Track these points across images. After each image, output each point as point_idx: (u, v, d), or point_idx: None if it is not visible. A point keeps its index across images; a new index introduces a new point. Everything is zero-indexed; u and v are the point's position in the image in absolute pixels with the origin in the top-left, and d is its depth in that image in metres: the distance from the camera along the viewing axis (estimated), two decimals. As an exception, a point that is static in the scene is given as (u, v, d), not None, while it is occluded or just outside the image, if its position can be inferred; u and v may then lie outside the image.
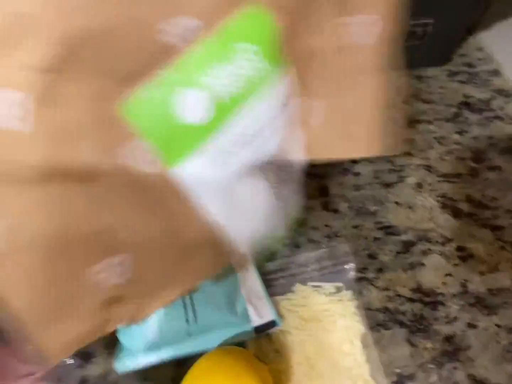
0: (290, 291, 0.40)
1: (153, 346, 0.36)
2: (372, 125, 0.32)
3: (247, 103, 0.26)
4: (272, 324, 0.38)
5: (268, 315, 0.38)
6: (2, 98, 0.19)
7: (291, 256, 0.43)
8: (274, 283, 0.41)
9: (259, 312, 0.38)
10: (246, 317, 0.37)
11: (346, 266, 0.40)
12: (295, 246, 0.44)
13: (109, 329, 0.27)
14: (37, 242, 0.23)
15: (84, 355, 0.38)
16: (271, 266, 0.41)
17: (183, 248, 0.28)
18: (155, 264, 0.27)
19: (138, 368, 0.36)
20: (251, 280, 0.40)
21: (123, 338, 0.36)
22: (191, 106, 0.24)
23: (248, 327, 0.37)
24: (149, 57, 0.22)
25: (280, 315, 0.39)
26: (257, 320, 0.37)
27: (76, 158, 0.22)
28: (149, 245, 0.26)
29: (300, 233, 0.39)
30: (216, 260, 0.31)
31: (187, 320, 0.36)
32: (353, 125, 0.32)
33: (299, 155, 0.32)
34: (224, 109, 0.25)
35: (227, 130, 0.25)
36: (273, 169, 0.29)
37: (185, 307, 0.36)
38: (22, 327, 0.24)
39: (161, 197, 0.25)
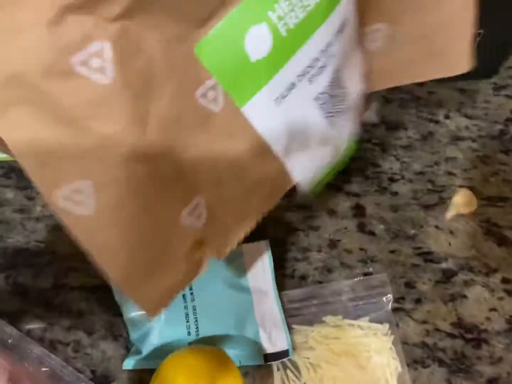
0: (320, 321, 0.38)
1: (156, 351, 0.35)
2: (459, 42, 0.30)
3: (308, 33, 0.26)
4: (285, 353, 0.35)
5: (282, 343, 0.35)
6: (83, 50, 0.19)
7: (323, 282, 0.40)
8: (304, 311, 0.38)
9: (273, 339, 0.35)
10: (256, 341, 0.35)
11: (383, 298, 0.38)
12: (327, 270, 0.41)
13: (200, 271, 0.28)
14: (128, 196, 0.23)
15: (102, 379, 0.36)
16: (301, 292, 0.39)
17: (249, 184, 0.28)
18: (227, 201, 0.28)
19: (141, 368, 0.36)
20: (269, 304, 0.37)
21: (133, 337, 0.36)
22: (259, 41, 0.24)
23: (257, 353, 0.35)
24: None
25: (309, 346, 0.36)
26: (268, 347, 0.35)
27: (159, 105, 0.22)
28: (222, 183, 0.27)
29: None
30: (273, 193, 0.31)
31: (188, 333, 0.35)
32: (434, 44, 0.31)
33: (358, 84, 0.31)
34: (288, 42, 0.25)
35: (291, 62, 0.26)
36: (329, 99, 0.29)
37: (187, 318, 0.35)
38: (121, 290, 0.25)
39: (231, 134, 0.26)
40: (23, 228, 0.43)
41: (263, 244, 0.39)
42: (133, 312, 0.36)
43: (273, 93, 0.26)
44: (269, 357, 0.35)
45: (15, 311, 0.38)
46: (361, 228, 0.44)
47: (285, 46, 0.25)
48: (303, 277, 0.41)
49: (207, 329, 0.35)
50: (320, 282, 0.40)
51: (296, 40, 0.25)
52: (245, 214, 0.30)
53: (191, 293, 0.36)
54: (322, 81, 0.28)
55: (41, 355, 0.35)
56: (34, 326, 0.38)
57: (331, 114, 0.30)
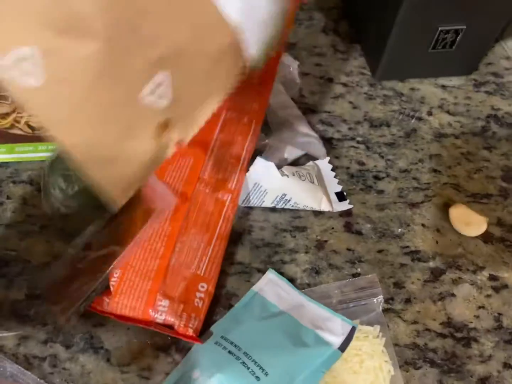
0: (311, 325, 0.36)
1: None
2: None
3: None
4: (353, 330, 0.35)
5: (346, 328, 0.35)
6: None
7: (311, 285, 0.39)
8: (294, 315, 0.37)
9: (335, 331, 0.35)
10: (323, 343, 0.35)
11: (374, 300, 0.37)
12: (315, 272, 0.40)
13: (167, 155, 0.28)
14: (82, 67, 0.22)
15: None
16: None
17: (211, 56, 0.28)
18: (191, 79, 0.28)
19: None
20: (308, 309, 0.37)
21: None
22: None
23: (331, 351, 0.34)
24: None
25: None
26: (337, 341, 0.35)
27: None
28: (183, 57, 0.27)
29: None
30: (235, 67, 0.30)
31: (257, 378, 0.33)
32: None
33: None
34: None
35: None
36: None
37: (246, 366, 0.33)
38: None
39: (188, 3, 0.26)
40: (-8, 235, 0.40)
41: (269, 273, 0.39)
42: None
43: None
44: (343, 346, 0.35)
45: (-15, 325, 0.36)
46: (348, 228, 0.43)
47: None
48: (291, 280, 0.39)
49: (271, 364, 0.33)
50: (309, 285, 0.39)
51: None
52: (207, 93, 0.30)
53: (234, 345, 0.34)
54: None
55: (15, 373, 0.33)
56: (7, 341, 0.35)
57: None
